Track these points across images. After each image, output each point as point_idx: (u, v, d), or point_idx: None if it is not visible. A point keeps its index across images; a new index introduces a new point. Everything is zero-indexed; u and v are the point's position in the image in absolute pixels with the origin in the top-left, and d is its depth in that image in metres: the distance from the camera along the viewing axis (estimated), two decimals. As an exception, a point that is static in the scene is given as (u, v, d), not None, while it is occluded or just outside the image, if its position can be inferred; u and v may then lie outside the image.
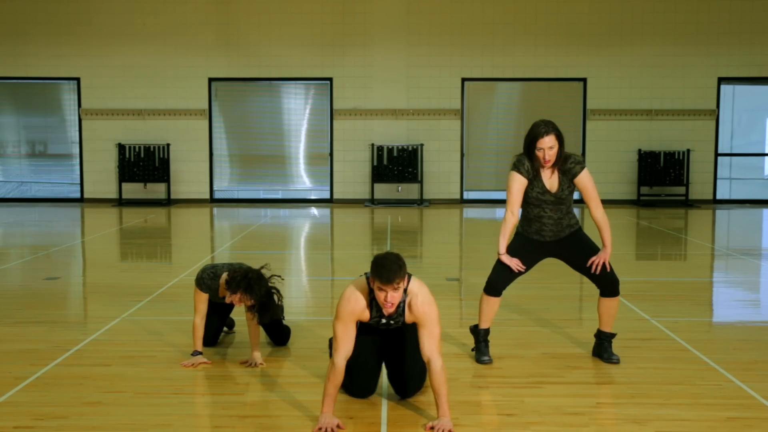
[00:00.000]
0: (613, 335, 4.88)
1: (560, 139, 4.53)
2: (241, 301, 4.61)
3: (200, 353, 4.80)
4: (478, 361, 4.80)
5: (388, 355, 4.21)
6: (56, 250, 9.81)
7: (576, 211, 4.93)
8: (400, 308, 3.93)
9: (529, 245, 4.76)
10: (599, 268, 4.67)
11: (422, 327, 3.87)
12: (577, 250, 4.75)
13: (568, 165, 4.60)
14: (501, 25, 16.29)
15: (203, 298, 4.84)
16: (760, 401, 4.14)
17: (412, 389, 4.16)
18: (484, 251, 10.04)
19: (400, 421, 3.87)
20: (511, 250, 4.76)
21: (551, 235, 4.71)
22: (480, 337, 4.87)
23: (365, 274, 3.97)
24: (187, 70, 16.37)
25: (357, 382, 4.13)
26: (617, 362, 4.77)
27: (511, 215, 4.65)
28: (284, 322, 5.30)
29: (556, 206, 4.65)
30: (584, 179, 4.62)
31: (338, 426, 3.72)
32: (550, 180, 4.62)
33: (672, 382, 4.45)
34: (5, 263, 8.71)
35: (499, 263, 4.75)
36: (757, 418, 3.92)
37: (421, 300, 3.89)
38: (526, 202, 4.69)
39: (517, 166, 4.62)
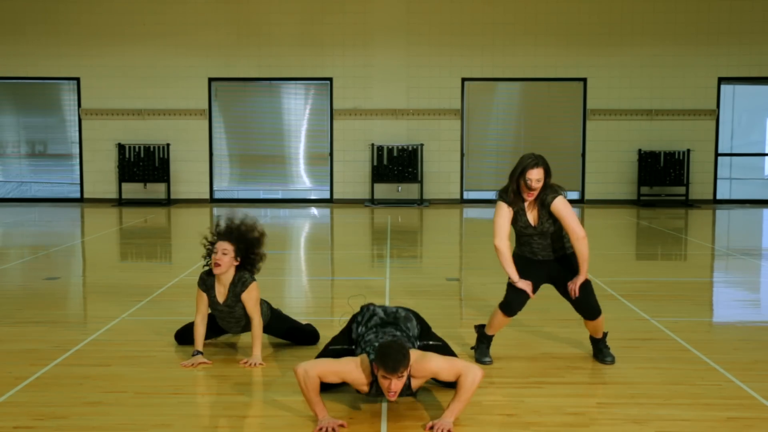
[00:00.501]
0: (603, 337, 4.90)
1: (548, 173, 4.59)
2: (224, 255, 4.70)
3: (200, 353, 4.80)
4: (479, 361, 4.82)
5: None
6: (56, 250, 9.81)
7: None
8: (404, 386, 3.82)
9: (528, 266, 4.77)
10: (575, 293, 4.69)
11: (439, 375, 3.88)
12: (563, 277, 4.76)
13: (543, 196, 4.61)
14: (501, 25, 16.29)
15: (203, 297, 4.86)
16: (760, 401, 4.14)
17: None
18: (484, 251, 10.03)
19: (400, 421, 3.87)
20: (518, 267, 4.77)
21: (544, 254, 4.76)
22: (484, 339, 4.91)
23: (369, 357, 3.88)
24: (187, 70, 16.37)
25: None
26: (611, 363, 4.79)
27: (501, 244, 4.66)
28: (304, 322, 5.34)
29: (541, 236, 4.70)
30: (558, 207, 4.57)
31: (341, 425, 3.73)
32: (532, 212, 4.68)
33: (672, 382, 4.45)
34: (5, 263, 8.71)
35: (513, 286, 4.76)
36: (757, 418, 3.92)
37: (420, 363, 3.83)
38: (515, 229, 4.76)
39: (500, 197, 4.69)
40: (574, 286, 4.68)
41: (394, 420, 3.88)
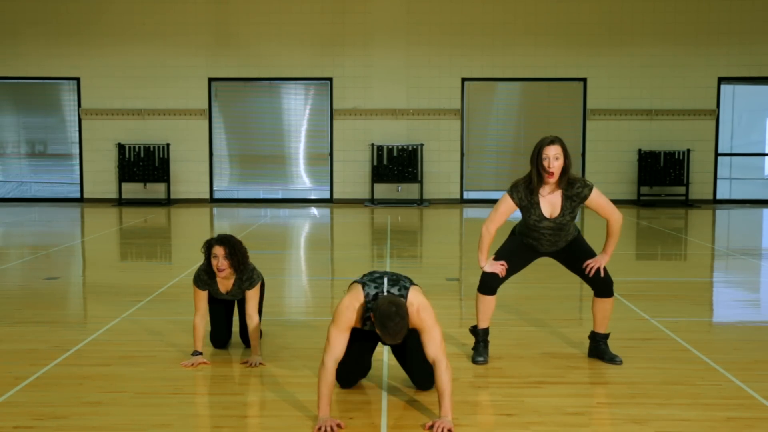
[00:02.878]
0: (607, 335, 4.88)
1: (566, 153, 4.49)
2: (226, 259, 4.71)
3: (200, 353, 4.80)
4: (473, 361, 4.80)
5: (397, 356, 4.30)
6: (56, 250, 9.81)
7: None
8: None
9: (524, 247, 4.78)
10: (593, 271, 4.68)
11: (423, 332, 3.89)
12: (573, 252, 4.76)
13: (575, 190, 4.52)
14: (501, 25, 16.29)
15: (202, 295, 4.85)
16: (760, 401, 4.14)
17: (427, 386, 4.25)
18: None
19: (400, 421, 3.87)
20: (507, 251, 4.78)
21: (548, 246, 4.74)
22: (479, 337, 4.87)
23: (362, 282, 4.00)
24: (187, 70, 16.37)
25: (344, 375, 4.21)
26: (620, 363, 4.76)
27: (487, 232, 4.65)
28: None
29: (555, 233, 4.65)
30: (596, 199, 4.55)
31: (338, 425, 3.73)
32: (552, 203, 4.54)
33: (672, 382, 4.45)
34: (5, 263, 8.71)
35: (497, 257, 4.79)
36: (757, 418, 3.92)
37: (416, 308, 3.90)
38: (526, 219, 4.66)
39: (510, 191, 4.61)
40: (596, 264, 4.66)
41: (394, 420, 3.88)
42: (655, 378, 4.51)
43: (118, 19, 16.29)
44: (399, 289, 3.96)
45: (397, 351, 4.30)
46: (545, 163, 4.45)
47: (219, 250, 4.74)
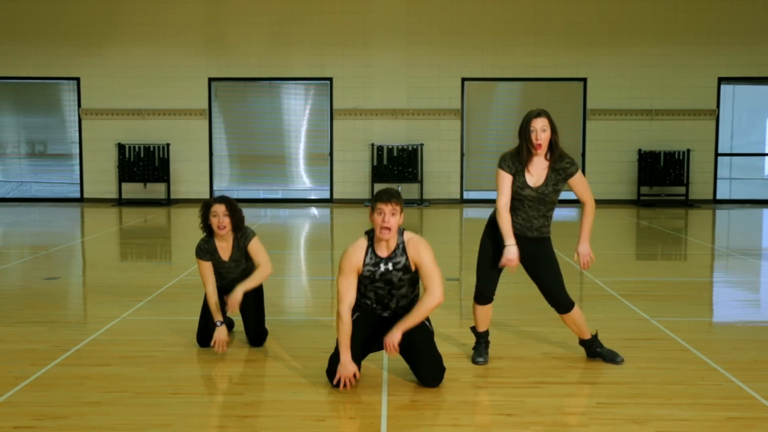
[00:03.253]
0: (594, 338, 4.84)
1: (553, 126, 4.59)
2: (226, 216, 4.92)
3: (222, 322, 4.88)
4: (473, 361, 4.79)
5: (405, 355, 4.35)
6: (56, 250, 9.81)
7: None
8: (399, 248, 4.26)
9: (497, 241, 4.70)
10: (589, 265, 4.71)
11: (421, 266, 4.20)
12: (537, 259, 4.69)
13: (563, 164, 4.61)
14: (501, 25, 16.29)
15: (206, 266, 5.01)
16: (760, 401, 4.14)
17: (434, 383, 4.32)
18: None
19: (400, 421, 3.87)
20: (485, 251, 4.75)
21: (518, 228, 4.65)
22: (480, 338, 4.88)
23: (365, 232, 4.33)
24: (187, 70, 16.37)
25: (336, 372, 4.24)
26: (621, 362, 4.75)
27: (500, 210, 4.63)
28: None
29: (534, 205, 4.61)
30: (579, 181, 4.65)
31: (355, 376, 3.84)
32: (537, 173, 4.59)
33: (672, 382, 4.45)
34: (5, 263, 8.71)
35: (482, 268, 4.74)
36: (757, 418, 3.92)
37: (416, 241, 4.25)
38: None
39: (500, 164, 4.66)
40: (586, 257, 4.69)
41: (394, 420, 3.88)
42: (655, 378, 4.51)
43: (118, 19, 16.29)
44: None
45: (404, 349, 4.30)
46: (532, 136, 4.55)
47: (219, 208, 4.96)
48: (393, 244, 4.27)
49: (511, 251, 4.56)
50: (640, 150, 16.16)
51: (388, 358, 4.77)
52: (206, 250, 5.03)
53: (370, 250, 4.24)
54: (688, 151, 16.14)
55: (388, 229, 4.14)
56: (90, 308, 6.62)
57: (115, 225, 12.80)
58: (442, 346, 4.63)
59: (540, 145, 4.54)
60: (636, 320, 5.93)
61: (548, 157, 4.60)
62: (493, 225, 4.75)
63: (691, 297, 6.97)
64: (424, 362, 4.27)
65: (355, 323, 4.29)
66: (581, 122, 16.40)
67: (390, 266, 4.26)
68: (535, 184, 4.59)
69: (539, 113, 4.59)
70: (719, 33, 16.25)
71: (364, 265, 4.22)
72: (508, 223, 4.61)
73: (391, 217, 4.15)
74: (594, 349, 4.83)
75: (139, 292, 6.91)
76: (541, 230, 4.68)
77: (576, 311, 4.74)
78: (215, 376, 4.59)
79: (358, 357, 4.29)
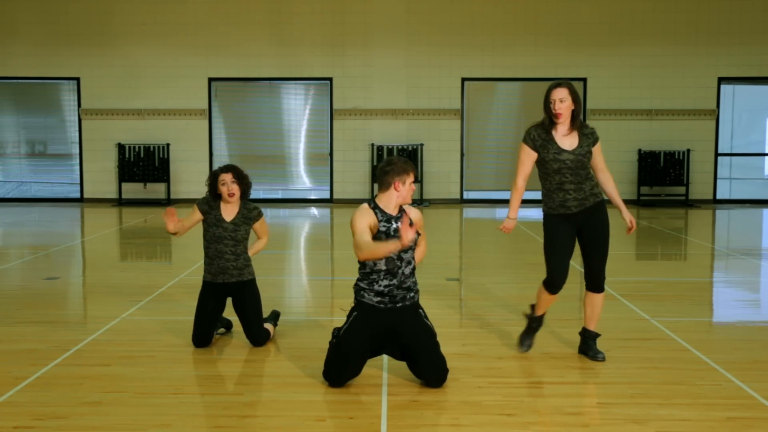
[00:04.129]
0: (597, 335, 4.91)
1: (574, 95, 4.67)
2: (234, 183, 5.16)
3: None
4: (521, 344, 5.00)
5: (406, 357, 4.38)
6: (56, 250, 9.82)
7: None
8: (401, 211, 4.45)
9: (559, 224, 4.76)
10: (633, 229, 4.90)
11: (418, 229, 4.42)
12: (596, 231, 4.76)
13: (588, 130, 4.76)
14: (501, 25, 16.29)
15: (194, 214, 5.18)
16: (760, 401, 4.14)
17: (437, 383, 4.34)
18: (484, 251, 10.03)
19: (400, 421, 3.87)
20: (551, 237, 4.78)
21: (576, 204, 4.71)
22: (533, 323, 5.01)
23: (366, 202, 4.45)
24: (187, 70, 16.37)
25: (337, 372, 4.27)
26: (602, 360, 4.81)
27: (515, 186, 4.81)
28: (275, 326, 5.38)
29: (575, 171, 4.67)
30: (599, 149, 4.81)
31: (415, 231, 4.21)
32: (568, 138, 4.70)
33: (672, 382, 4.45)
34: (5, 263, 8.71)
35: (552, 254, 4.77)
36: (757, 418, 3.92)
37: (413, 209, 4.54)
38: (546, 173, 4.72)
39: (524, 138, 4.78)
40: (633, 223, 4.87)
41: (394, 420, 3.88)
42: (655, 378, 4.51)
43: (118, 19, 16.29)
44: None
45: (407, 350, 4.32)
46: (552, 106, 4.65)
47: (227, 177, 5.14)
48: (397, 209, 4.44)
49: (511, 223, 4.85)
50: (640, 150, 16.17)
51: (387, 359, 4.77)
52: (208, 202, 5.16)
53: (377, 211, 4.37)
54: (688, 151, 16.14)
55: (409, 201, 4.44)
56: (90, 308, 6.62)
57: (115, 225, 12.80)
58: (442, 346, 4.63)
59: (560, 113, 4.64)
60: (636, 320, 5.94)
61: (574, 126, 4.72)
62: (549, 212, 4.83)
63: (691, 297, 6.97)
64: (428, 363, 4.28)
65: (354, 325, 4.30)
66: (581, 122, 16.38)
67: (393, 224, 4.37)
68: (570, 147, 4.68)
69: (558, 84, 4.71)
70: (719, 33, 16.25)
71: (379, 221, 4.34)
72: (518, 200, 4.86)
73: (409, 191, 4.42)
74: (588, 342, 4.92)
75: (139, 292, 6.91)
76: (594, 191, 4.76)
77: (602, 296, 4.88)
78: (215, 376, 4.59)
79: (358, 364, 4.31)
